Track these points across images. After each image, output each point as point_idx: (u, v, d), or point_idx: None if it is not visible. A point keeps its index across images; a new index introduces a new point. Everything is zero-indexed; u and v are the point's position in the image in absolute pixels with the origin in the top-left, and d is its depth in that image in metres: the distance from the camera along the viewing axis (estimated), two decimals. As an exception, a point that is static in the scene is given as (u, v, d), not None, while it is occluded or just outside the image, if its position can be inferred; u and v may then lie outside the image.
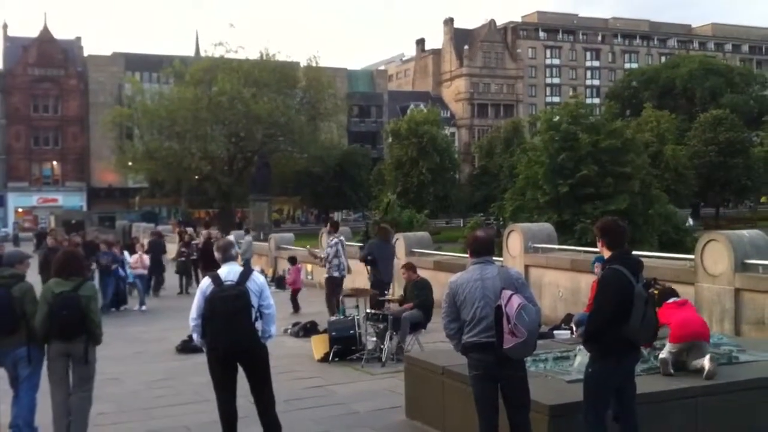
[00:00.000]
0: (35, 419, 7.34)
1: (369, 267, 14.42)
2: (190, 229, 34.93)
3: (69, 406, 7.10)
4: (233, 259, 6.92)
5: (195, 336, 6.88)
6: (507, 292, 5.51)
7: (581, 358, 6.74)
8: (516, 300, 5.44)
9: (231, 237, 23.42)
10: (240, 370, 6.79)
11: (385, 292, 13.85)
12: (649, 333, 5.55)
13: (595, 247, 5.97)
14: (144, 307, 19.94)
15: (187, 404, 9.33)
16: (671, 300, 7.12)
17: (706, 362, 6.61)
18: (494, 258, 6.16)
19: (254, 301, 6.60)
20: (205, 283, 6.76)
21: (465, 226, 60.07)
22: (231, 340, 6.47)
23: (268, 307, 6.73)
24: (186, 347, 12.88)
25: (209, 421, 7.74)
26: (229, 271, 6.71)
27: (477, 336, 5.61)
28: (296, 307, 17.61)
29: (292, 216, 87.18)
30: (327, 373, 10.67)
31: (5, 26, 79.66)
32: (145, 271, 21.19)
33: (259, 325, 6.64)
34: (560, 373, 6.89)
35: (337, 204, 76.79)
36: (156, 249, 23.28)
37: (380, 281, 14.04)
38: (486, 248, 5.94)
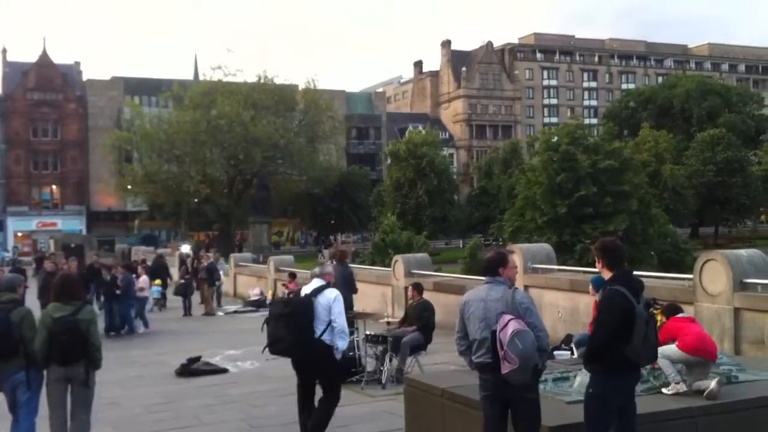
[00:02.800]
0: (34, 444, 7.31)
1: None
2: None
3: (68, 430, 7.07)
4: (317, 276, 7.73)
5: None
6: (506, 317, 5.43)
7: (581, 378, 6.72)
8: (512, 326, 5.34)
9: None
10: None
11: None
12: (650, 353, 5.54)
13: (595, 267, 5.96)
14: (143, 329, 19.91)
15: (186, 428, 9.29)
16: (680, 315, 7.12)
17: (713, 384, 6.58)
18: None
19: (322, 314, 7.35)
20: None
21: (464, 247, 59.98)
22: (283, 343, 7.26)
23: (334, 321, 7.40)
24: (185, 371, 12.84)
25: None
26: (310, 286, 7.62)
27: (482, 357, 5.62)
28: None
29: (291, 238, 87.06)
30: (327, 395, 10.61)
31: (4, 51, 79.89)
32: (146, 294, 21.20)
33: (327, 337, 7.33)
34: (560, 393, 6.86)
35: (336, 226, 76.76)
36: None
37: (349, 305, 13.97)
38: (496, 268, 5.91)
